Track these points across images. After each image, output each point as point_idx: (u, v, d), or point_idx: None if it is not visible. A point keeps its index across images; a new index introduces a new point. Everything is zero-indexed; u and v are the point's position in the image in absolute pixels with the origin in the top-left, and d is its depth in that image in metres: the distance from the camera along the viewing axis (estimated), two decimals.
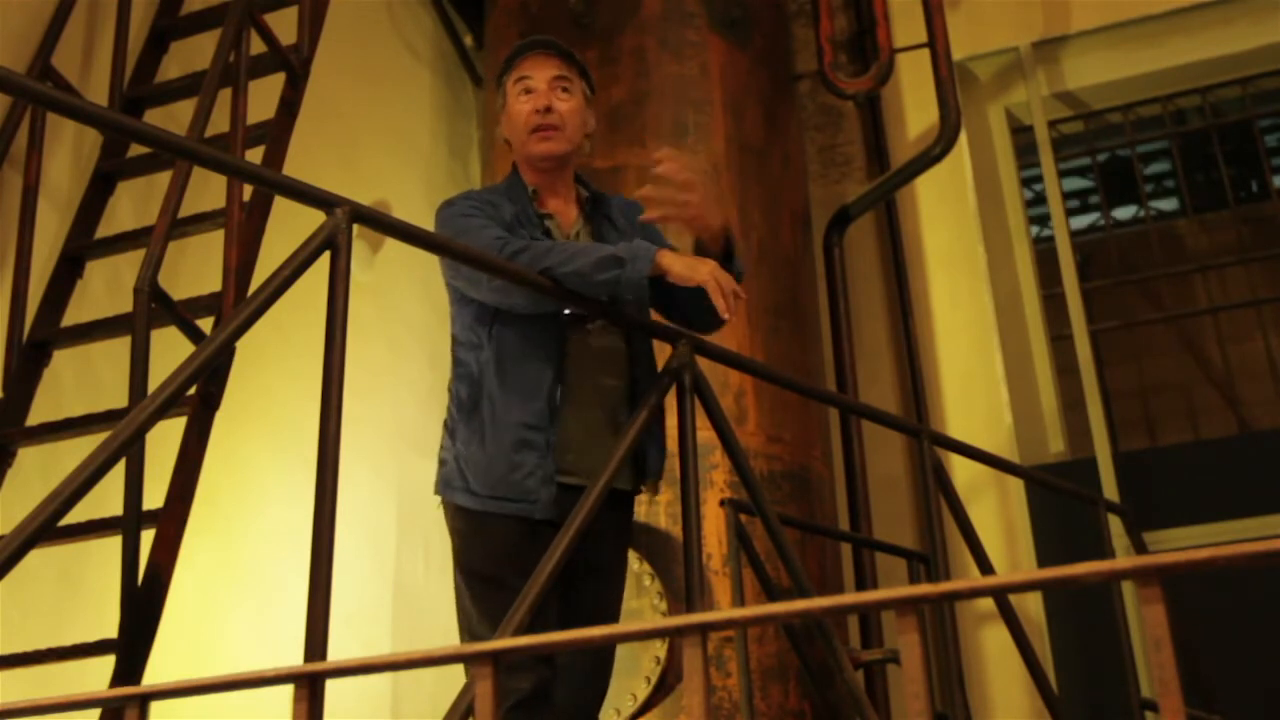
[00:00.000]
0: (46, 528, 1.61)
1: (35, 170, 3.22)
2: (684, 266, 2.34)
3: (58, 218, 3.42)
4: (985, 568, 3.19)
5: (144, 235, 3.18)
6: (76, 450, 2.52)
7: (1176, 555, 0.91)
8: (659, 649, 3.73)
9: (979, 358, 5.23)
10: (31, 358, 3.17)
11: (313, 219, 2.03)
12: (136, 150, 3.54)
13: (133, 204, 3.64)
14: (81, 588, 3.21)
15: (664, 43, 4.64)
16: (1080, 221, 6.59)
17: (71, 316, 3.31)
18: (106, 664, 2.44)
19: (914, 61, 5.33)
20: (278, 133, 3.53)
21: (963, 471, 4.44)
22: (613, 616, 2.55)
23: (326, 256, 1.99)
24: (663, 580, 3.78)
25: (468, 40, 5.87)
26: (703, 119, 4.56)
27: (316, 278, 2.00)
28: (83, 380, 3.37)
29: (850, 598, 1.02)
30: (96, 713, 2.29)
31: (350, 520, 3.57)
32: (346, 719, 3.65)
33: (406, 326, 4.99)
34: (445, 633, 3.55)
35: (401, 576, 4.67)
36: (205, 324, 3.07)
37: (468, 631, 2.43)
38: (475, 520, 2.43)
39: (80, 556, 3.08)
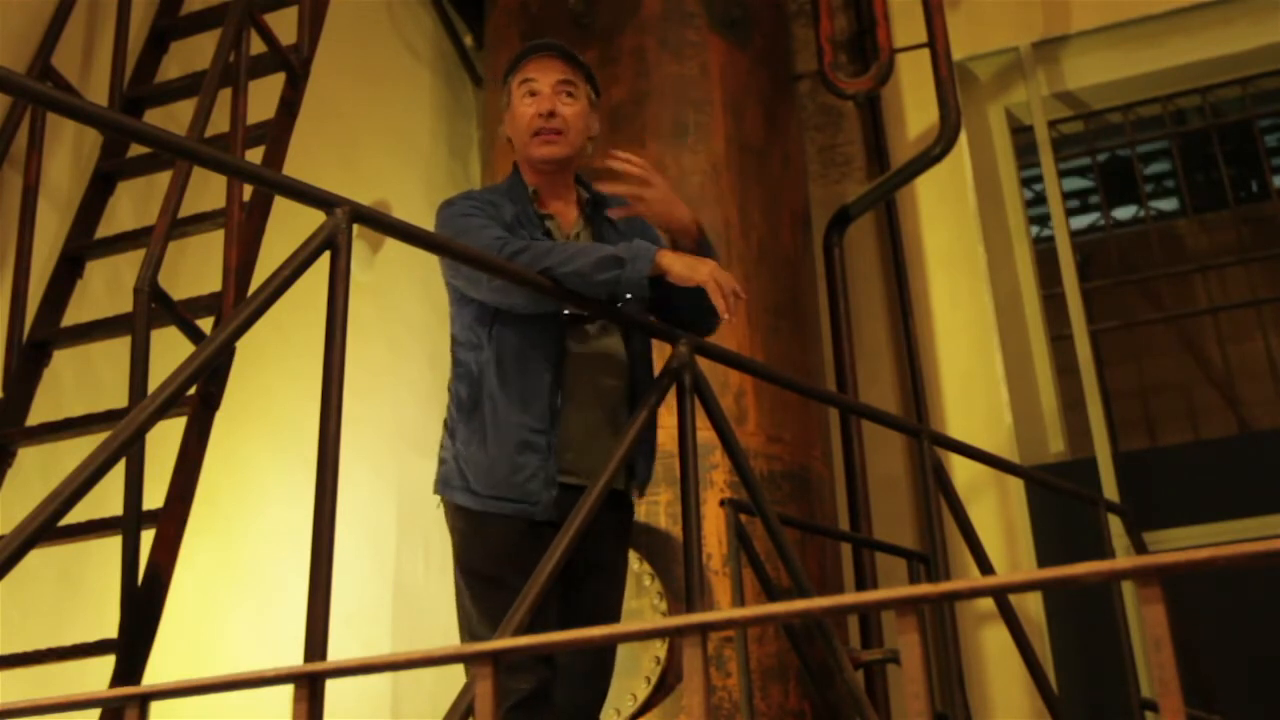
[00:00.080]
0: (46, 528, 1.61)
1: (35, 170, 3.22)
2: (684, 266, 2.35)
3: (58, 218, 3.42)
4: (985, 568, 3.19)
5: (144, 235, 3.18)
6: (76, 450, 2.52)
7: (1176, 555, 0.91)
8: (659, 649, 3.73)
9: (979, 358, 5.22)
10: (31, 358, 3.17)
11: (313, 219, 2.03)
12: (136, 150, 3.54)
13: (133, 204, 3.64)
14: (81, 588, 3.21)
15: (664, 43, 4.64)
16: (1080, 221, 6.58)
17: (71, 316, 3.30)
18: (106, 664, 2.44)
19: (914, 61, 5.33)
20: (278, 133, 3.53)
21: (963, 471, 4.44)
22: (613, 616, 2.55)
23: (326, 256, 1.99)
24: (663, 580, 3.78)
25: (468, 40, 5.87)
26: (703, 119, 4.56)
27: (316, 278, 2.00)
28: (83, 380, 3.37)
29: (850, 598, 1.02)
30: (96, 713, 2.29)
31: (350, 520, 3.57)
32: (346, 719, 3.65)
33: (406, 326, 4.99)
34: (445, 633, 3.55)
35: (401, 576, 4.66)
36: (205, 324, 3.07)
37: (468, 631, 2.43)
38: (475, 520, 2.43)
39: (80, 556, 3.08)
